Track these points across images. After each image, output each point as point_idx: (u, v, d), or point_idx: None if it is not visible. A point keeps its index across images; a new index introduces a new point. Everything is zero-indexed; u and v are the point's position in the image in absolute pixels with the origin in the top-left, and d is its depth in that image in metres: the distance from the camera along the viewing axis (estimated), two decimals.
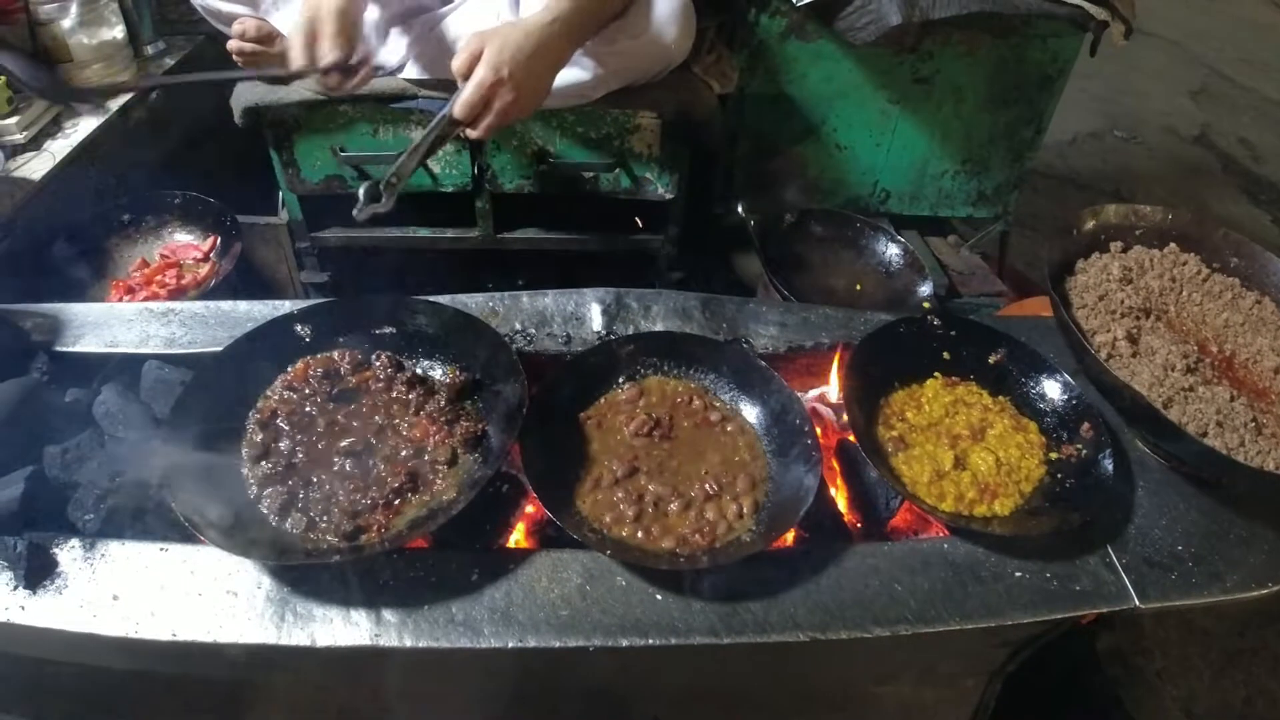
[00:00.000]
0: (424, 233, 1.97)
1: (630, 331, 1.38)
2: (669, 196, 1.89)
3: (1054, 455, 1.28)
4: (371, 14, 1.69)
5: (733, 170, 2.05)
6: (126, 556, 1.08)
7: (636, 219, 1.99)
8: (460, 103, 1.39)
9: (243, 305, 1.40)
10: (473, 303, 1.40)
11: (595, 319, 1.39)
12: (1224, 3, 5.37)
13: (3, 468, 1.17)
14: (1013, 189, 2.18)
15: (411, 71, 1.73)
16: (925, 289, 1.68)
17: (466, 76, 1.39)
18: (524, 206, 1.95)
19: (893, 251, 1.78)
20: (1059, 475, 1.26)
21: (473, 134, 1.44)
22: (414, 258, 2.03)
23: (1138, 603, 1.14)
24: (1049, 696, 1.64)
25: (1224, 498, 1.27)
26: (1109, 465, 1.21)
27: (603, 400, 1.28)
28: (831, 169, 2.07)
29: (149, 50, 2.15)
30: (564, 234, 1.98)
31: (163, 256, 1.84)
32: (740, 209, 1.84)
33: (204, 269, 1.80)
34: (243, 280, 1.86)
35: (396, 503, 1.13)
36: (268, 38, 1.71)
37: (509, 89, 1.38)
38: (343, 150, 1.80)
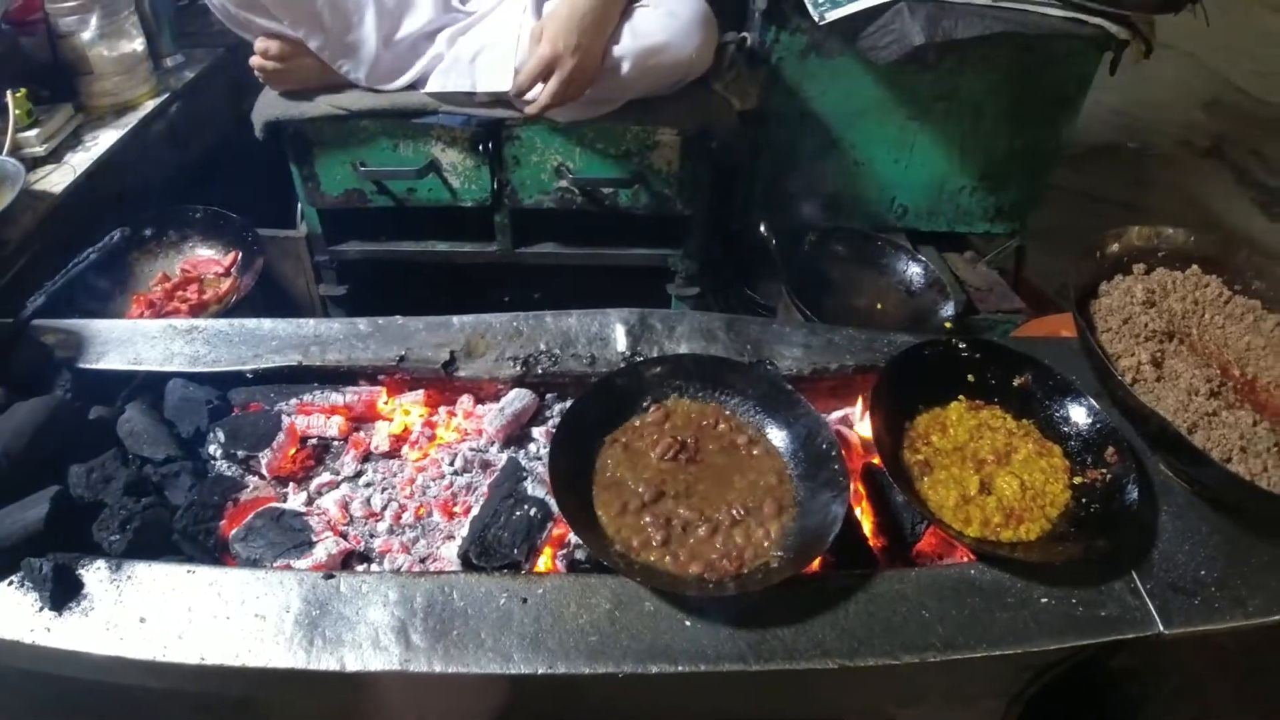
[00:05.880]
0: (442, 246, 1.98)
1: (655, 352, 1.38)
2: (688, 213, 1.89)
3: (1079, 480, 1.28)
4: (401, 29, 1.70)
5: (753, 186, 2.05)
6: (153, 578, 1.08)
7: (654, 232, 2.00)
8: (524, 72, 1.60)
9: (267, 324, 1.40)
10: (497, 322, 1.40)
11: (620, 340, 1.39)
12: (1239, 14, 5.36)
13: (28, 487, 1.16)
14: (1030, 205, 2.18)
15: (433, 86, 1.73)
16: (947, 309, 1.68)
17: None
18: (542, 220, 1.95)
19: (914, 271, 1.78)
20: (1084, 500, 1.25)
21: (532, 109, 1.63)
22: (432, 270, 2.04)
23: (1162, 629, 1.14)
24: (1065, 714, 1.64)
25: (1246, 522, 1.27)
26: (1134, 491, 1.21)
27: (629, 423, 1.27)
28: (850, 185, 2.07)
29: (168, 63, 2.16)
30: (582, 249, 1.98)
31: (184, 271, 1.85)
32: (762, 229, 1.84)
33: (225, 284, 1.81)
34: (261, 293, 1.86)
35: None
36: (290, 55, 1.72)
37: (569, 57, 1.55)
38: (363, 165, 1.81)
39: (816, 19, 1.68)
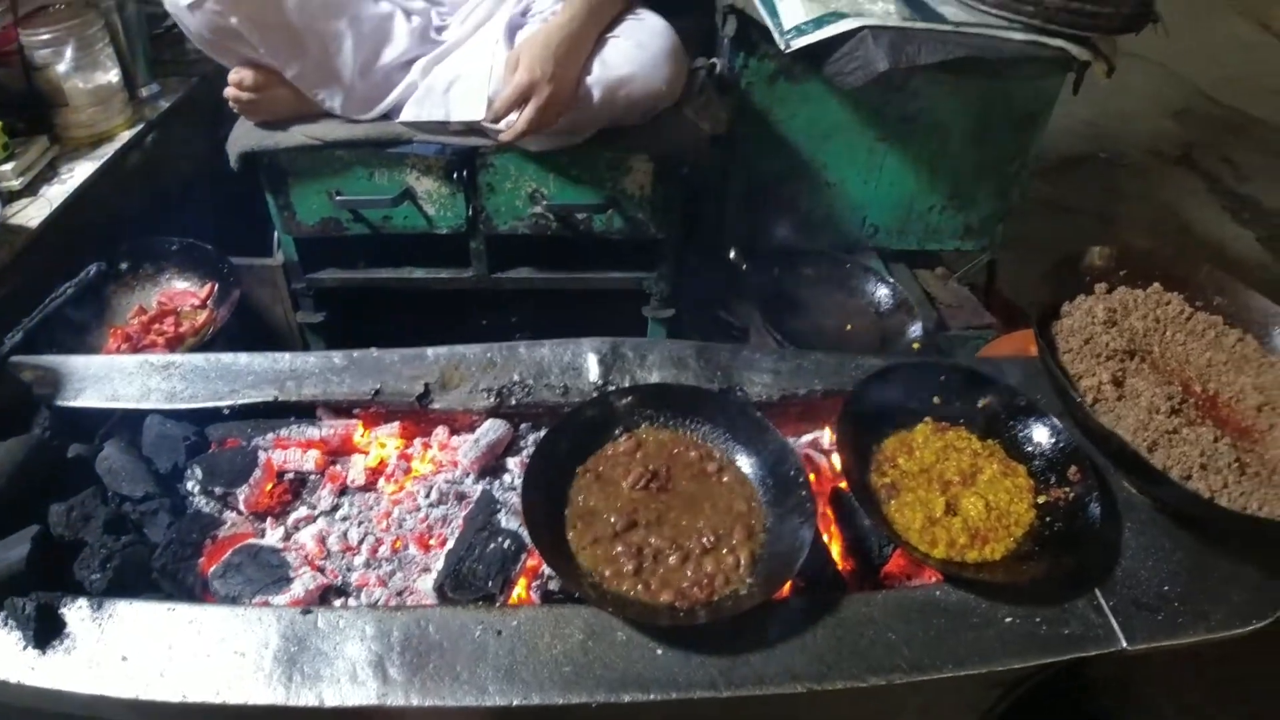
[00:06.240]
0: (419, 273, 2.00)
1: (627, 381, 1.40)
2: (661, 236, 1.92)
3: (1043, 499, 1.31)
4: (377, 60, 1.72)
5: (725, 208, 2.08)
6: (134, 616, 1.10)
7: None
8: (501, 99, 1.62)
9: (242, 358, 1.42)
10: (471, 354, 1.42)
11: (592, 369, 1.41)
12: (1208, 21, 5.42)
13: (8, 526, 1.17)
14: (999, 221, 2.21)
15: (407, 115, 1.75)
16: (915, 330, 1.71)
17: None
18: (518, 244, 1.97)
19: (883, 292, 1.82)
20: (1048, 519, 1.28)
21: (508, 136, 1.66)
22: (409, 296, 2.06)
23: (1125, 645, 1.16)
24: None
25: (1209, 536, 1.30)
26: (1097, 508, 1.24)
27: (601, 453, 1.30)
28: (821, 205, 2.10)
29: (144, 92, 2.17)
30: (557, 273, 2.00)
31: (160, 304, 1.86)
32: (732, 254, 1.87)
33: (201, 316, 1.82)
34: (239, 321, 1.87)
35: None
36: (265, 86, 1.73)
37: (545, 84, 1.58)
38: (339, 194, 1.83)
39: (783, 47, 1.71)
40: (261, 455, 1.31)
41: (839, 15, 1.69)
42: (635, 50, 1.68)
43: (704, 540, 1.19)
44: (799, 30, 1.70)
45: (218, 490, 1.28)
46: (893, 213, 2.14)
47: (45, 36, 1.86)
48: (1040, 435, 1.35)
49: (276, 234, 1.95)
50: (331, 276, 2.00)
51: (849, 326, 1.82)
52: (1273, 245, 3.58)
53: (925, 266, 2.28)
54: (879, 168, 2.05)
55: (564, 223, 1.88)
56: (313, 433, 1.35)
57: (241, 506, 1.28)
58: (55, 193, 1.84)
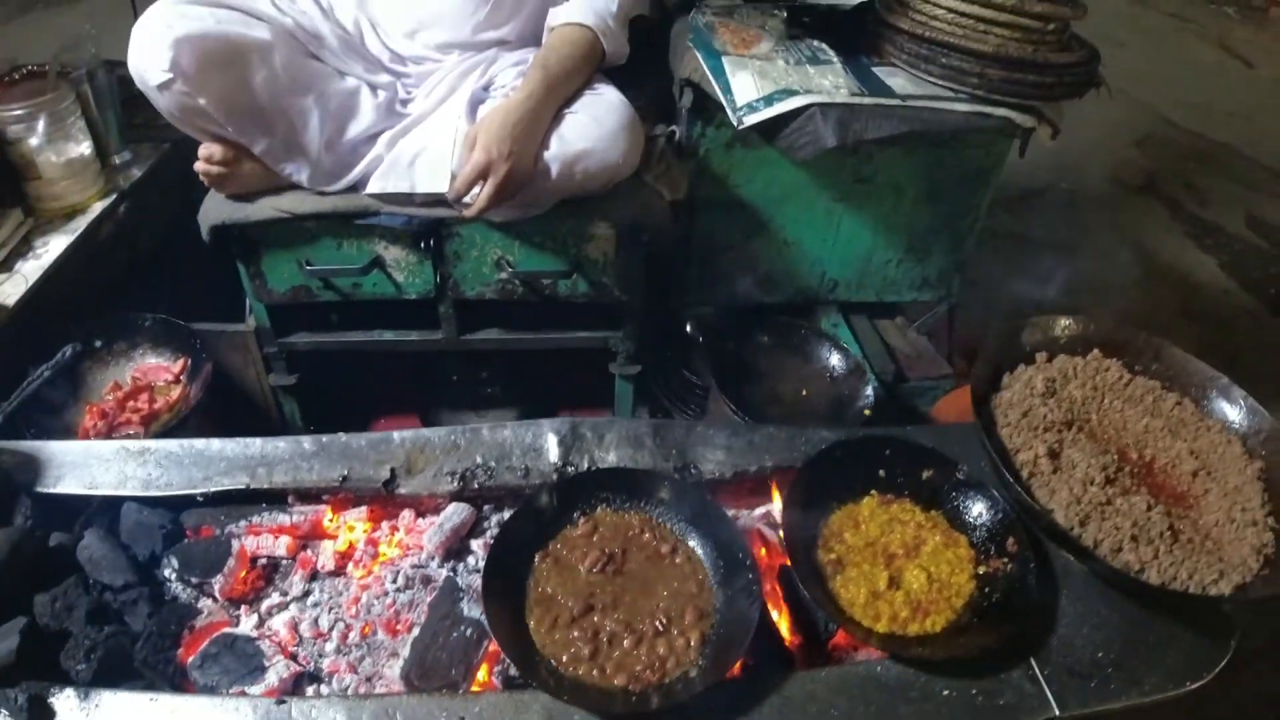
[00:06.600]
0: (389, 335, 2.05)
1: (586, 461, 1.46)
2: (625, 298, 1.98)
3: (983, 569, 1.37)
4: (343, 134, 1.77)
5: (687, 269, 2.14)
6: (119, 705, 1.16)
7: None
8: (460, 178, 1.65)
9: (215, 444, 1.47)
10: (435, 437, 1.48)
11: (552, 450, 1.47)
12: (1168, 47, 5.51)
13: None
14: (956, 272, 2.28)
15: (373, 188, 1.80)
16: (867, 398, 1.78)
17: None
18: (487, 306, 2.03)
19: (835, 359, 1.88)
20: (987, 590, 1.34)
21: (470, 213, 1.70)
22: (380, 357, 2.11)
23: (1057, 712, 1.22)
24: None
25: (1143, 601, 1.35)
26: (1033, 579, 1.30)
27: (561, 534, 1.36)
28: (781, 262, 2.16)
29: (116, 160, 2.18)
30: (525, 334, 2.06)
31: (134, 379, 1.90)
32: (689, 328, 1.93)
33: (175, 392, 1.87)
34: (213, 387, 1.92)
35: None
36: (234, 160, 1.77)
37: (502, 162, 1.62)
38: (309, 263, 1.87)
39: (736, 123, 1.77)
40: (235, 544, 1.36)
41: (789, 92, 1.75)
42: (592, 126, 1.73)
43: (657, 623, 1.25)
44: (751, 107, 1.76)
45: (194, 580, 1.33)
46: (851, 268, 2.20)
47: (18, 112, 1.88)
48: (980, 507, 1.42)
49: (249, 300, 2.00)
50: (303, 340, 2.04)
51: (804, 392, 1.88)
52: (1234, 270, 3.64)
53: (886, 316, 2.35)
54: (836, 226, 2.11)
55: (530, 288, 1.94)
56: (283, 519, 1.40)
57: (217, 594, 1.34)
58: (30, 268, 1.85)
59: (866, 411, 1.74)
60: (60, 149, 1.97)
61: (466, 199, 1.71)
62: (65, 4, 4.90)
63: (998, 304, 3.11)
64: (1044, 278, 3.40)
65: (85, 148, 2.04)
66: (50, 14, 4.83)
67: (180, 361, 1.93)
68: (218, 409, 1.94)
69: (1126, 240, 3.75)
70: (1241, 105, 4.95)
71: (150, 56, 1.57)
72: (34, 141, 1.92)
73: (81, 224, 2.00)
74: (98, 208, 2.05)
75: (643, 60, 1.99)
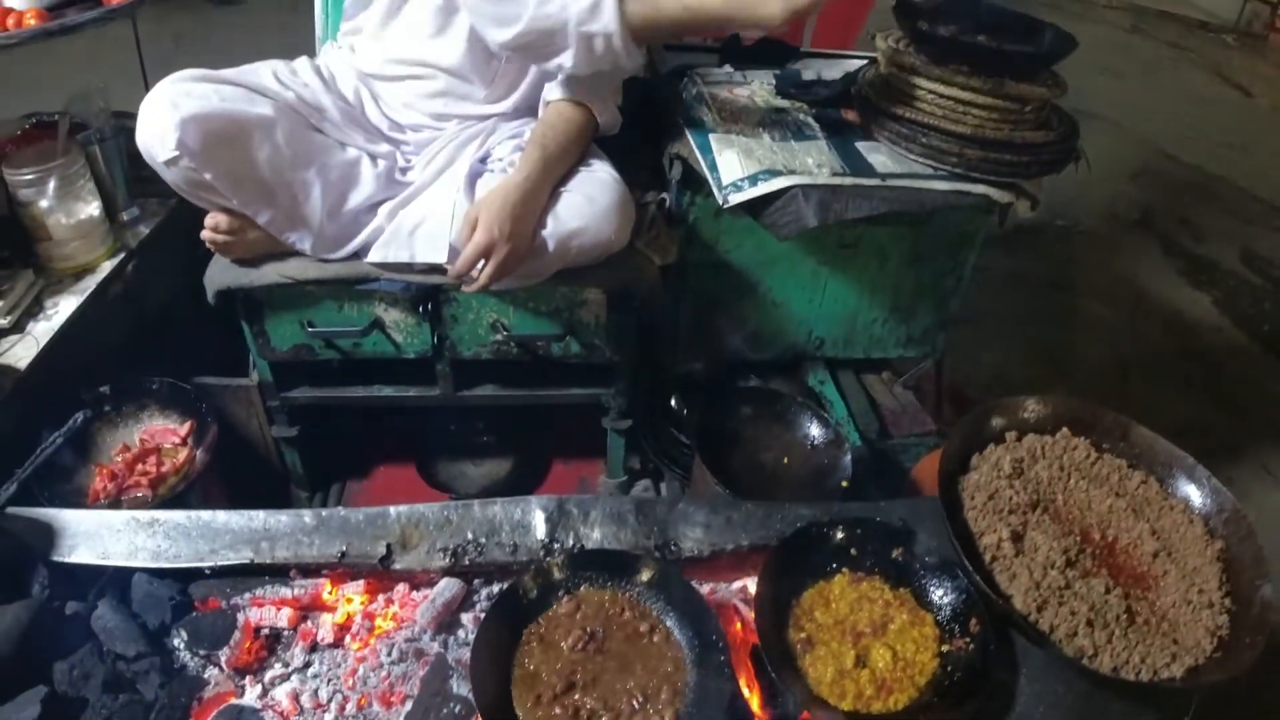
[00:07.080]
0: (388, 391, 2.13)
1: (571, 537, 1.54)
2: (617, 359, 2.06)
3: (946, 648, 1.44)
4: (344, 204, 1.84)
5: (677, 330, 2.22)
6: None
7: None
8: (462, 259, 1.72)
9: (220, 516, 1.54)
10: (429, 512, 1.55)
11: (539, 527, 1.55)
12: (1166, 77, 5.55)
13: (16, 687, 1.31)
14: (941, 329, 2.35)
15: (374, 257, 1.87)
16: (846, 469, 1.85)
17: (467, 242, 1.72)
18: (482, 364, 2.10)
19: (816, 429, 1.95)
20: (949, 668, 1.41)
21: (470, 288, 1.77)
22: (380, 412, 2.19)
23: None
24: None
25: (1099, 679, 1.40)
26: (993, 660, 1.38)
27: (546, 613, 1.43)
28: (769, 322, 2.24)
29: (124, 217, 2.22)
30: (520, 390, 2.14)
31: (142, 441, 1.98)
32: (673, 402, 2.01)
33: (182, 454, 1.94)
34: (219, 433, 2.00)
35: None
36: (239, 229, 1.84)
37: (503, 243, 1.69)
38: (311, 325, 1.95)
39: (721, 202, 1.84)
40: (240, 616, 1.44)
41: (773, 172, 1.82)
42: (585, 204, 1.81)
43: (633, 701, 1.33)
44: (735, 186, 1.83)
45: (202, 652, 1.41)
46: (837, 326, 2.27)
47: (28, 176, 1.93)
48: (945, 587, 1.49)
49: (253, 356, 2.07)
50: (304, 395, 2.12)
51: (785, 460, 1.96)
52: (1227, 307, 3.69)
53: (873, 370, 2.42)
54: (822, 288, 2.19)
55: (524, 349, 2.01)
56: (285, 591, 1.48)
57: (223, 664, 1.41)
58: (41, 330, 1.90)
59: (844, 483, 1.81)
60: (70, 210, 2.01)
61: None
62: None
63: (991, 344, 3.18)
64: (1035, 315, 3.47)
65: (94, 208, 2.08)
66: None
67: (187, 424, 2.00)
68: (223, 458, 2.01)
69: (1119, 278, 3.79)
70: (1239, 136, 4.99)
71: (157, 135, 1.63)
72: (44, 204, 1.97)
73: (91, 283, 2.05)
74: (106, 267, 2.10)
75: (635, 122, 2.07)
